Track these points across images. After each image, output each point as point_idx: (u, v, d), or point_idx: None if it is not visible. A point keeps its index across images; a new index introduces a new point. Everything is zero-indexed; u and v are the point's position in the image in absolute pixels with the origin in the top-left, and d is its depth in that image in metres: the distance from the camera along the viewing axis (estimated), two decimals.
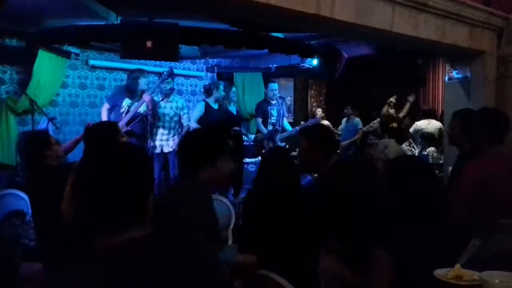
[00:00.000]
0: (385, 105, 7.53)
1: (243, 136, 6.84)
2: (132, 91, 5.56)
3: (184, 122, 5.92)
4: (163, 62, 6.84)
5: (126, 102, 5.51)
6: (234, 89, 6.94)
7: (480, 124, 2.88)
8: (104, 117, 5.54)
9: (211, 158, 2.05)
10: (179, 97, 6.65)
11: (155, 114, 5.60)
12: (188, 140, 2.19)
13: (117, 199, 1.18)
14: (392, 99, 7.47)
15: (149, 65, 7.12)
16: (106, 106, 5.65)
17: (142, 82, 5.56)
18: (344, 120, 8.40)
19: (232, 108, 6.80)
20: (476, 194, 2.61)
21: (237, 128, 6.59)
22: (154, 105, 5.54)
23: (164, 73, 5.96)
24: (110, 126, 3.40)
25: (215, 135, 2.26)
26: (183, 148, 2.16)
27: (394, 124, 6.99)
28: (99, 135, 3.05)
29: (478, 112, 3.12)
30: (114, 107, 5.55)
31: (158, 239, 1.28)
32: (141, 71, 5.70)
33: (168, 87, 5.80)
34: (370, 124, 7.99)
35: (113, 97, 5.79)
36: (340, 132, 8.28)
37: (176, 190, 2.25)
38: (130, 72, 5.93)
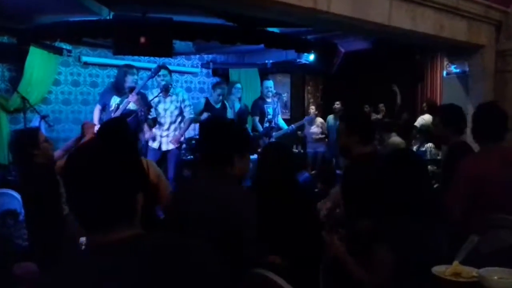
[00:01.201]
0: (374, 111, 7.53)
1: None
2: (119, 88, 5.45)
3: (186, 115, 5.76)
4: (157, 58, 6.76)
5: (115, 100, 5.40)
6: (238, 85, 6.72)
7: (473, 121, 2.84)
8: (96, 118, 5.45)
9: (243, 149, 2.14)
10: (180, 89, 6.44)
11: (146, 113, 5.45)
12: (222, 128, 2.19)
13: (100, 196, 1.14)
14: (381, 106, 7.44)
15: (143, 61, 7.04)
16: (98, 107, 5.57)
17: (129, 79, 5.42)
18: (331, 116, 8.30)
19: (236, 106, 6.55)
20: (473, 193, 2.57)
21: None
22: (144, 105, 5.30)
23: (152, 69, 5.80)
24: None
25: (243, 128, 2.40)
26: (215, 136, 2.14)
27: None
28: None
29: (475, 109, 3.04)
30: (105, 106, 5.46)
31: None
32: (130, 67, 5.57)
33: (163, 83, 5.69)
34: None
35: (102, 97, 5.68)
36: (326, 132, 8.11)
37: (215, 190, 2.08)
38: (119, 68, 5.83)
